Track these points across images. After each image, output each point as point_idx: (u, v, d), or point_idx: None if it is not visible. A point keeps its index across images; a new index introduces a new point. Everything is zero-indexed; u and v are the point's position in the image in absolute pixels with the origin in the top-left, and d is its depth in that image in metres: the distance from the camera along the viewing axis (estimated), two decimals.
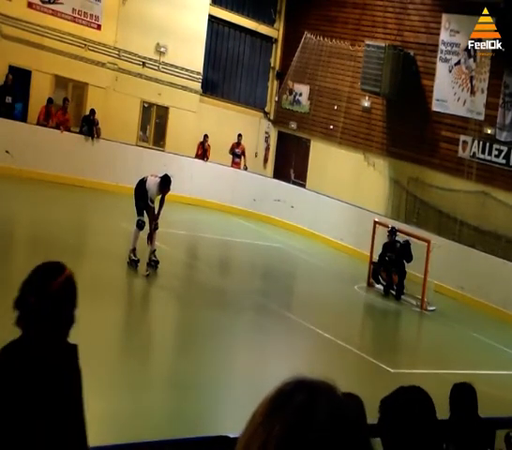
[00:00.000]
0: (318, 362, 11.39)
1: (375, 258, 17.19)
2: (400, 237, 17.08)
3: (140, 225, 13.87)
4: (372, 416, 2.86)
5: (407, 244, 16.75)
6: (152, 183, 13.81)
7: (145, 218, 13.92)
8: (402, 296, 16.70)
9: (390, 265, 16.80)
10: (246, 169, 22.37)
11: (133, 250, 14.02)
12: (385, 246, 17.05)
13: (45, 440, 3.12)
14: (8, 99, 19.71)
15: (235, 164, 22.38)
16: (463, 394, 5.16)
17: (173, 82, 22.30)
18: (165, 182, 13.73)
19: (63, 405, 3.25)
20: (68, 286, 3.30)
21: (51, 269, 3.31)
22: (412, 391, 2.74)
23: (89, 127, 20.28)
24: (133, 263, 14.02)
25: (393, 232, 17.04)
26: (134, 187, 14.17)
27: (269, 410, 1.27)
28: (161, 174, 14.21)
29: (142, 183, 13.97)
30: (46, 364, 3.22)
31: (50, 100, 20.06)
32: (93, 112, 20.30)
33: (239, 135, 22.26)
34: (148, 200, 13.81)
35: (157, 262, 14.11)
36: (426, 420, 2.64)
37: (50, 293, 3.21)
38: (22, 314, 3.22)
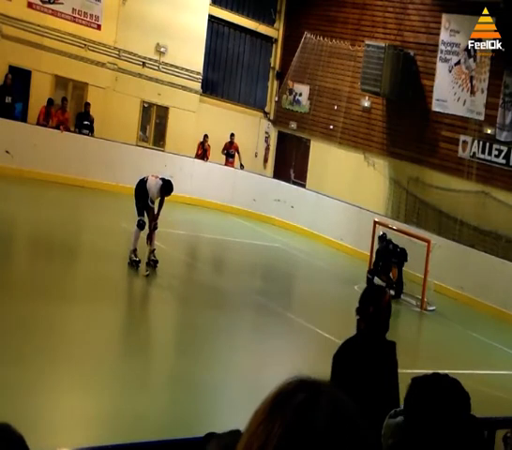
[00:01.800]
0: (318, 362, 11.36)
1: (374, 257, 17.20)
2: (398, 237, 17.05)
3: (140, 225, 13.86)
4: None
5: (404, 251, 16.71)
6: (153, 183, 13.80)
7: (146, 218, 13.92)
8: (402, 296, 16.70)
9: (390, 255, 16.71)
10: (242, 167, 22.32)
11: (134, 251, 14.01)
12: (378, 253, 16.99)
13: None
14: (8, 99, 19.70)
15: (230, 163, 22.34)
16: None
17: (173, 82, 22.30)
18: (167, 188, 13.71)
19: (383, 384, 4.67)
20: (390, 303, 4.82)
21: (379, 289, 5.08)
22: (445, 376, 3.00)
23: (88, 120, 20.37)
24: (134, 264, 14.02)
25: (383, 237, 16.99)
26: (134, 186, 14.17)
27: (270, 409, 1.27)
28: (162, 175, 14.19)
29: (142, 183, 13.95)
30: (375, 355, 4.65)
31: (50, 101, 20.04)
32: (87, 104, 20.44)
33: (232, 134, 22.22)
34: (148, 200, 13.81)
35: (156, 262, 14.11)
36: (453, 401, 2.72)
37: (382, 305, 4.73)
38: (361, 318, 4.70)
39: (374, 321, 4.71)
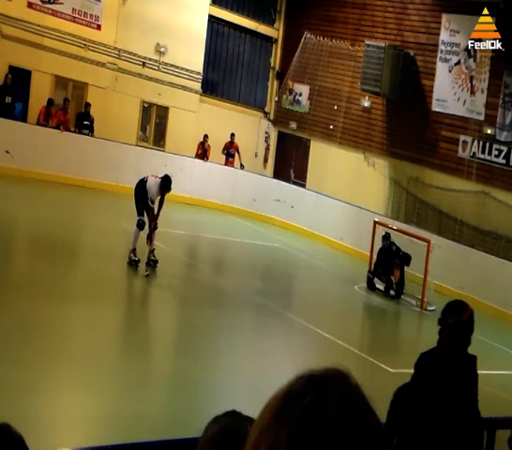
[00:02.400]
0: (318, 362, 11.34)
1: (373, 258, 17.18)
2: (398, 237, 17.03)
3: (140, 225, 13.87)
4: None
5: (407, 256, 16.67)
6: (152, 183, 13.81)
7: (145, 218, 13.92)
8: (402, 296, 16.69)
9: (393, 257, 16.67)
10: (242, 167, 22.31)
11: (133, 250, 14.02)
12: (381, 251, 16.94)
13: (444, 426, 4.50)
14: (8, 99, 19.70)
15: (230, 163, 22.33)
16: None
17: (173, 82, 22.30)
18: (166, 183, 13.75)
19: (462, 397, 4.70)
20: (472, 318, 4.73)
21: (462, 304, 4.90)
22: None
23: (88, 120, 20.38)
24: (133, 264, 14.02)
25: (387, 237, 16.96)
26: (134, 186, 14.18)
27: (277, 410, 1.23)
28: (162, 175, 14.20)
29: (142, 183, 13.97)
30: (455, 367, 4.70)
31: (50, 101, 20.04)
32: (88, 104, 20.45)
33: (232, 134, 22.22)
34: (148, 200, 13.82)
35: (155, 262, 14.12)
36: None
37: (463, 320, 4.70)
38: (443, 329, 4.76)
39: (454, 333, 4.75)
